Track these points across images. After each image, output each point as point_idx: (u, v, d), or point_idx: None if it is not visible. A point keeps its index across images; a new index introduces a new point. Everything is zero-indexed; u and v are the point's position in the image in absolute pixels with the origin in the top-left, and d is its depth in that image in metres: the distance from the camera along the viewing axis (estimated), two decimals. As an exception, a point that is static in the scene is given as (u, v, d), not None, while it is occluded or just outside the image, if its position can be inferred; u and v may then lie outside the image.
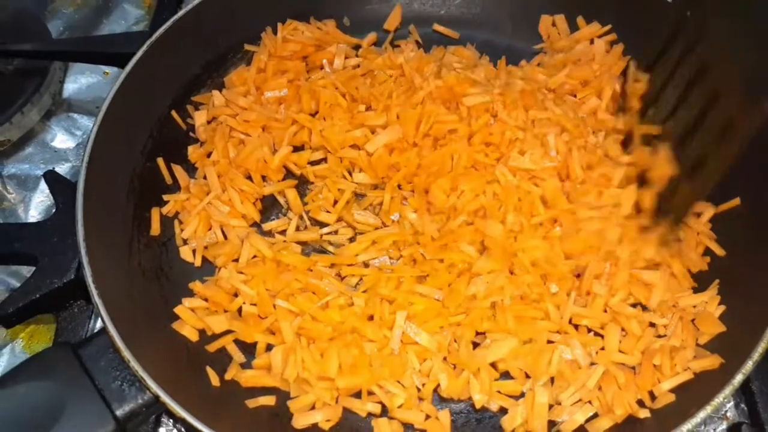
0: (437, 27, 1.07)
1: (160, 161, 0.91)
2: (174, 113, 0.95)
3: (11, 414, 0.68)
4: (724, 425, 0.80)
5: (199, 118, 0.96)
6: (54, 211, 0.89)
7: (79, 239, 0.75)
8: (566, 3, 1.03)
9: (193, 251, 0.87)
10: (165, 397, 0.67)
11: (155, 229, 0.87)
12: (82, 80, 1.11)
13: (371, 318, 0.80)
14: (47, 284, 0.82)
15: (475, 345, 0.79)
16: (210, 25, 0.97)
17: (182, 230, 0.88)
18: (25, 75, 1.03)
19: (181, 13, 0.93)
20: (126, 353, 0.69)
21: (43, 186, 0.97)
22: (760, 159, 0.83)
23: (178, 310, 0.81)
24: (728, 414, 0.80)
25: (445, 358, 0.78)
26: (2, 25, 1.07)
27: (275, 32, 1.00)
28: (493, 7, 1.07)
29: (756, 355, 0.69)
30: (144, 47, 0.89)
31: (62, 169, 1.01)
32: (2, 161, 1.01)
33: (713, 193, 0.87)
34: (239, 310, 0.82)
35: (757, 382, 0.79)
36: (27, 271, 0.88)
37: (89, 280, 0.73)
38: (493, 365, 0.78)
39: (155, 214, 0.88)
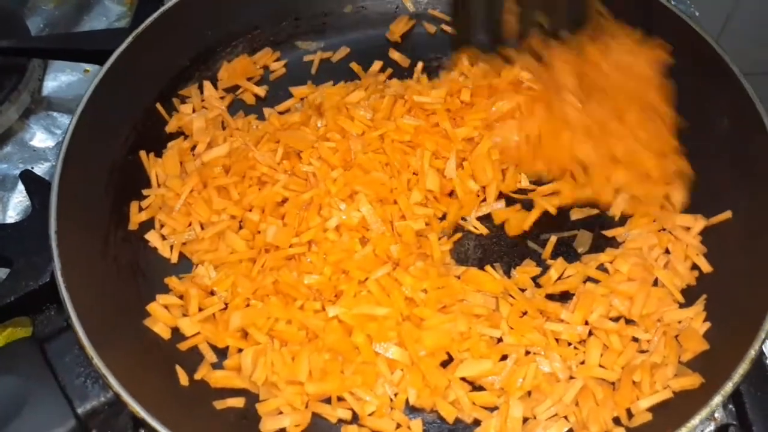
0: (432, 11, 1.05)
1: (142, 154, 0.90)
2: (159, 106, 0.93)
3: (-30, 408, 0.67)
4: (712, 426, 0.77)
5: (185, 111, 0.94)
6: (30, 211, 0.87)
7: (51, 230, 0.74)
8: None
9: (171, 247, 0.86)
10: (126, 397, 0.66)
11: (133, 222, 0.86)
12: (62, 78, 1.09)
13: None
14: (22, 287, 0.80)
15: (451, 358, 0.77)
16: (198, 18, 0.95)
17: (161, 225, 0.87)
18: (3, 72, 1.01)
19: (168, 5, 0.91)
20: (90, 350, 0.68)
21: (21, 186, 0.94)
22: (753, 171, 0.81)
23: (150, 307, 0.80)
24: (716, 415, 0.77)
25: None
26: (-21, 22, 1.05)
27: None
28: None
29: (737, 377, 0.66)
30: (129, 38, 0.88)
31: (41, 168, 0.99)
32: (-20, 161, 1.00)
33: (705, 206, 0.85)
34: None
35: (745, 383, 0.76)
36: (3, 272, 0.87)
37: (58, 272, 0.72)
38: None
39: (134, 208, 0.87)
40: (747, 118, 0.82)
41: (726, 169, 0.84)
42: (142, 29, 0.88)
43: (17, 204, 0.96)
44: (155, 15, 0.90)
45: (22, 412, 0.67)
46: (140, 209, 0.87)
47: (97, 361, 0.67)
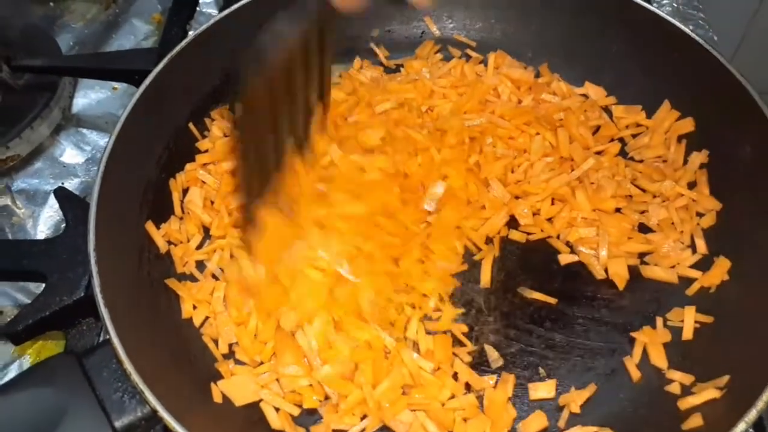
0: (458, 36, 1.07)
1: (172, 181, 0.92)
2: (191, 126, 0.95)
3: (12, 420, 0.68)
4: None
5: (217, 133, 0.96)
6: (64, 227, 0.89)
7: (90, 248, 0.76)
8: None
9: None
10: (163, 413, 0.67)
11: (161, 246, 0.87)
12: (91, 95, 1.11)
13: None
14: (57, 302, 0.83)
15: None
16: (232, 39, 0.97)
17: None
18: (36, 90, 1.04)
19: (204, 26, 0.94)
20: (128, 365, 0.69)
21: (52, 201, 0.97)
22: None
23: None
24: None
25: None
26: (13, 41, 1.08)
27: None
28: (514, 32, 1.06)
29: (760, 404, 0.67)
30: (166, 59, 0.90)
31: (71, 184, 1.01)
32: (12, 176, 1.02)
33: (727, 238, 0.86)
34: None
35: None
36: (35, 287, 0.89)
37: (97, 289, 0.73)
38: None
39: (155, 233, 0.87)
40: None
41: (749, 199, 0.85)
42: (180, 49, 0.90)
43: (48, 219, 0.99)
44: (192, 35, 0.92)
45: (61, 424, 0.68)
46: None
47: (135, 377, 0.69)
